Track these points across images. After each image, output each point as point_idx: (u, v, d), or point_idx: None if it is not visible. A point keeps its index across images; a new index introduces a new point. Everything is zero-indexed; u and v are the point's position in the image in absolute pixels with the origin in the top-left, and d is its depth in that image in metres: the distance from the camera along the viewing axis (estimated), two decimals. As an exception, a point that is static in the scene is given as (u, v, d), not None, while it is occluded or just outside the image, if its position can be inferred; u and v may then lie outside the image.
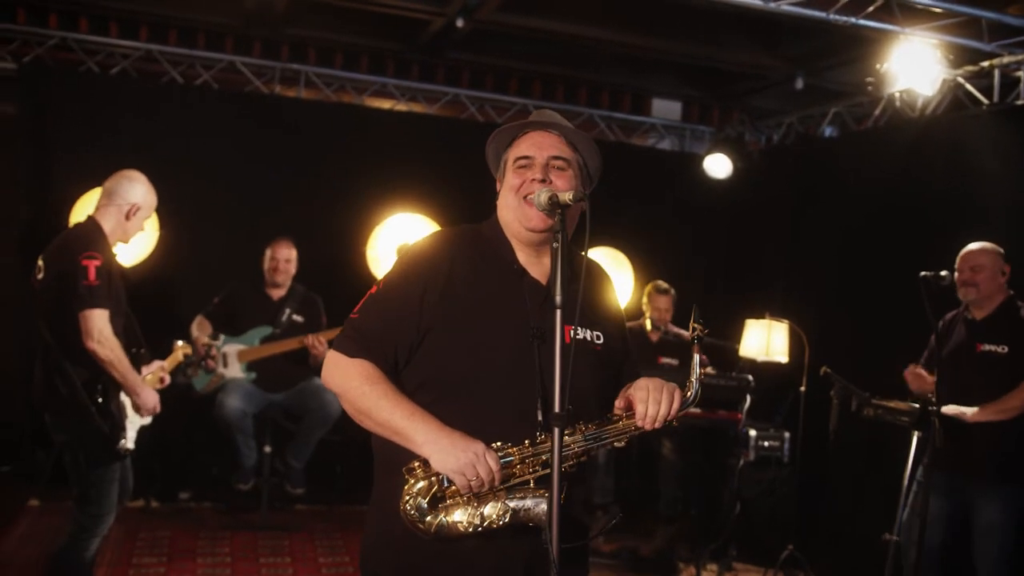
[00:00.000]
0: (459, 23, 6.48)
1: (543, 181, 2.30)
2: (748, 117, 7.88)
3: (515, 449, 2.17)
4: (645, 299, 6.66)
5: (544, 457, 2.19)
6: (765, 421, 6.27)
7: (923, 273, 4.17)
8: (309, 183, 7.13)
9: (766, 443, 6.11)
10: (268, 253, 6.22)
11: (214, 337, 5.88)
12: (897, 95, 6.51)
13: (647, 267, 7.34)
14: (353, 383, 2.28)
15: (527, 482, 2.18)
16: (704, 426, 6.20)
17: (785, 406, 6.32)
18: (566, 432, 2.18)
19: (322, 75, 7.41)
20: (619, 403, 2.25)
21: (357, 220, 7.16)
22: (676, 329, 6.63)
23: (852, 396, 4.61)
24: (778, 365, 6.02)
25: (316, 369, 5.99)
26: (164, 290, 6.73)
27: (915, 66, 5.67)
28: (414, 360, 2.31)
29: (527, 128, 2.39)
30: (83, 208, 6.27)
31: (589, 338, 2.36)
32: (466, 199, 7.26)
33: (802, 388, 5.62)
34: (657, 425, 2.22)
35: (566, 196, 2.20)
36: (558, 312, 2.09)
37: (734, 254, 7.65)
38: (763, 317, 6.02)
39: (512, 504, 2.15)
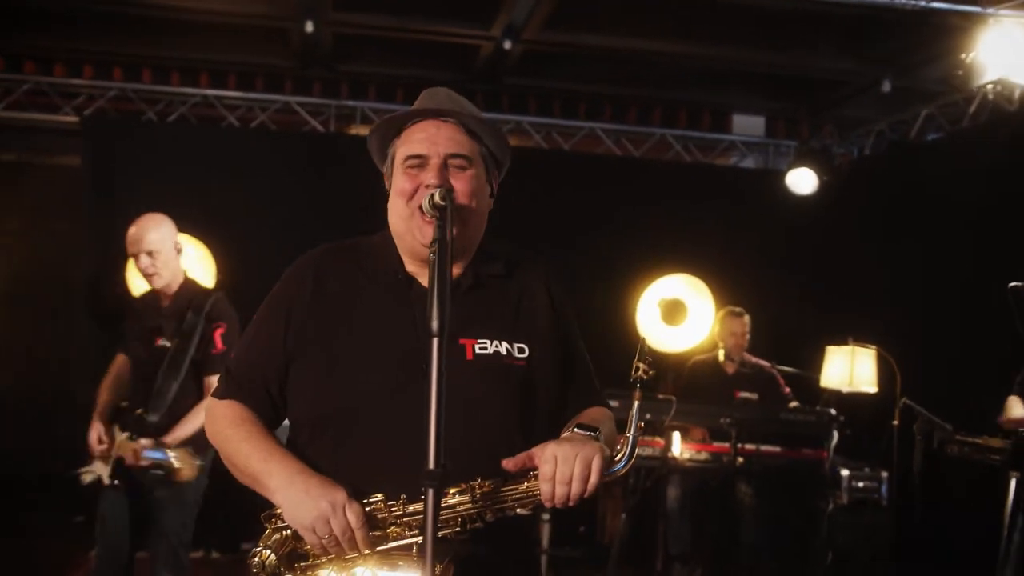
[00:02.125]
0: (506, 45, 6.18)
1: (439, 187, 1.92)
2: (835, 128, 7.26)
3: (387, 504, 1.76)
4: (717, 326, 6.12)
5: (444, 516, 1.77)
6: (859, 459, 5.62)
7: (1013, 284, 3.58)
8: (367, 221, 6.90)
9: (861, 484, 5.48)
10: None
11: None
12: (990, 88, 5.81)
13: (728, 294, 6.77)
14: (218, 427, 1.96)
15: (409, 547, 1.75)
16: (786, 466, 5.59)
17: (884, 443, 5.65)
18: (454, 490, 1.77)
19: (378, 110, 7.22)
20: (509, 464, 1.78)
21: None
22: (755, 359, 6.06)
23: (934, 431, 3.99)
24: (867, 396, 5.38)
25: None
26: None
27: (1007, 51, 5.00)
28: (288, 397, 1.96)
29: (417, 116, 2.01)
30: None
31: (505, 352, 1.93)
32: (529, 229, 7.01)
33: (895, 422, 4.97)
34: (571, 504, 1.77)
35: (438, 196, 1.81)
36: (434, 341, 1.69)
37: (820, 275, 7.00)
38: (846, 343, 5.41)
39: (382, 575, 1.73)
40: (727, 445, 5.35)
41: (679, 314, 6.73)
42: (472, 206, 1.95)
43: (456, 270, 1.99)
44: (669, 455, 5.48)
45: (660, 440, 5.55)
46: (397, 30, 6.24)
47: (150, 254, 4.00)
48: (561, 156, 7.35)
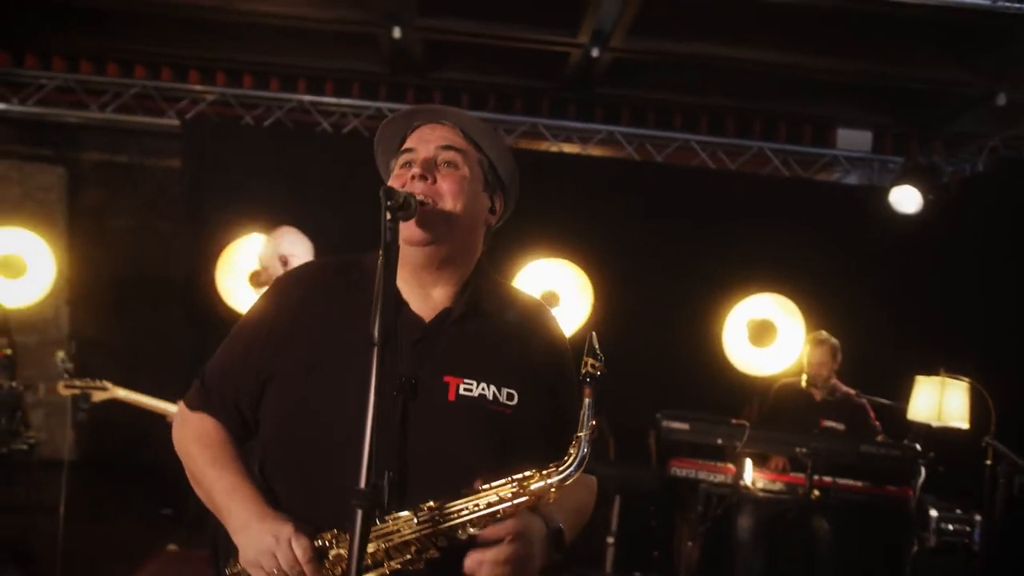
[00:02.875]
0: (594, 52, 6.05)
1: (424, 179, 1.81)
2: (944, 143, 6.83)
3: (338, 535, 1.66)
4: (804, 351, 5.82)
5: (387, 545, 1.67)
6: (952, 500, 5.23)
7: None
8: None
9: (951, 526, 5.09)
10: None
11: None
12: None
13: (820, 316, 6.44)
14: (185, 440, 1.88)
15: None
16: (867, 502, 5.25)
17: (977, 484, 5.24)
18: (403, 513, 1.67)
19: (470, 118, 7.19)
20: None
21: (494, 266, 6.79)
22: (843, 388, 5.73)
23: (1016, 475, 3.65)
24: (959, 432, 5.00)
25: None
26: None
27: None
28: (260, 417, 1.87)
29: (415, 121, 1.90)
30: (230, 257, 6.36)
31: (491, 397, 1.78)
32: (618, 243, 6.89)
33: (987, 461, 4.60)
34: None
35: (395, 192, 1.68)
36: (375, 351, 1.59)
37: (916, 299, 6.58)
38: (937, 373, 5.04)
39: None
40: (803, 476, 5.07)
41: (768, 335, 6.44)
42: (456, 211, 1.81)
43: (443, 292, 1.87)
44: (741, 483, 5.23)
45: (732, 467, 5.30)
46: (484, 36, 6.20)
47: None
48: (653, 168, 7.16)
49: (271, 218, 5.89)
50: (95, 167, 8.25)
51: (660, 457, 5.84)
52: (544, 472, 1.69)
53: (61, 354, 4.80)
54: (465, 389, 1.78)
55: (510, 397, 1.80)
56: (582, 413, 1.67)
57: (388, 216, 1.65)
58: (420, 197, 1.78)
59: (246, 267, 5.40)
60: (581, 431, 1.68)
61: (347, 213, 6.73)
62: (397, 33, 6.04)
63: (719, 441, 5.23)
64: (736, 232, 6.69)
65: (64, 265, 7.45)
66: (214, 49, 7.13)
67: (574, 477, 1.68)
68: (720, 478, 5.32)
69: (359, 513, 1.50)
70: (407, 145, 1.87)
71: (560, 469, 1.68)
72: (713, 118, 7.46)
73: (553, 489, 1.68)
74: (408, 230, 1.77)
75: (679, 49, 6.16)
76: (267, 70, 7.40)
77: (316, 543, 1.66)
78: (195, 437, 1.86)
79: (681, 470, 5.47)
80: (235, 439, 1.87)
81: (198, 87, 7.19)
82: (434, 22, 6.02)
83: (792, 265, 6.52)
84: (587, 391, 1.68)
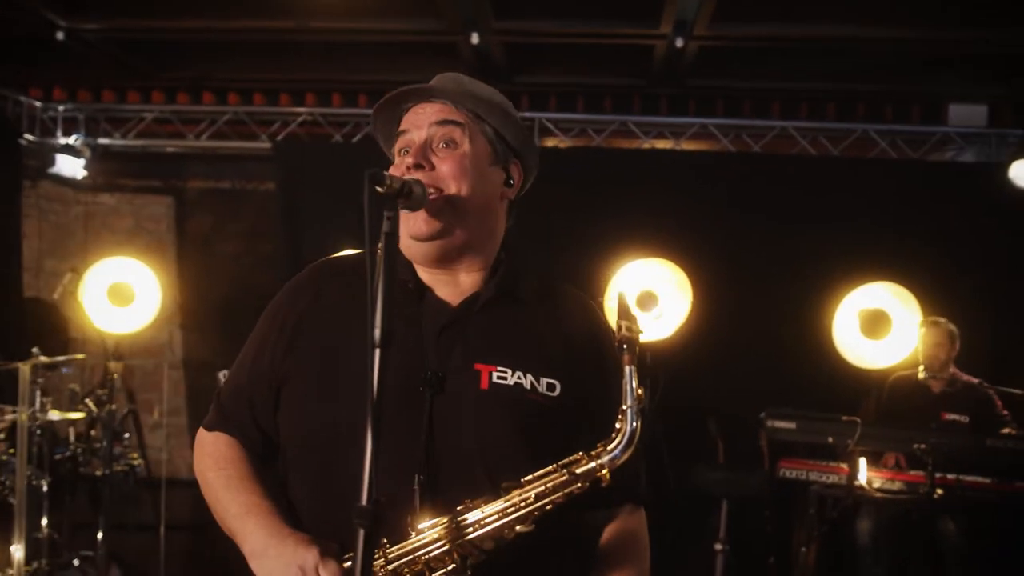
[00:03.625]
0: (678, 43, 5.84)
1: (421, 167, 1.67)
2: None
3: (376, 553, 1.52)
4: (919, 340, 5.45)
5: (425, 557, 1.55)
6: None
7: None
8: (538, 232, 6.75)
9: (1094, 525, 4.65)
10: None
11: None
12: None
13: (937, 305, 6.02)
14: (202, 466, 1.77)
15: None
16: (998, 501, 4.85)
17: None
18: (426, 525, 1.55)
19: (558, 121, 7.06)
20: None
21: (591, 268, 6.63)
22: (965, 377, 5.34)
23: None
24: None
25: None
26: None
27: None
28: (280, 421, 1.77)
29: (405, 103, 1.78)
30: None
31: (529, 386, 1.64)
32: (717, 238, 6.63)
33: None
34: None
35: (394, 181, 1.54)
36: (376, 353, 1.47)
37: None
38: (1068, 359, 4.63)
39: None
40: (923, 474, 4.72)
41: (882, 326, 6.06)
42: (463, 194, 1.68)
43: (470, 278, 1.74)
44: (855, 483, 4.91)
45: (844, 467, 4.99)
46: (563, 35, 6.07)
47: None
48: (751, 159, 6.88)
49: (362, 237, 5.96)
50: (200, 195, 8.47)
51: (771, 458, 5.57)
52: (593, 453, 1.54)
53: None
54: (499, 377, 1.64)
55: (551, 388, 1.66)
56: (624, 383, 1.51)
57: (385, 204, 1.54)
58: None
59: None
60: (626, 403, 1.51)
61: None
62: (475, 39, 5.97)
63: (830, 439, 4.94)
64: (842, 220, 6.37)
65: (175, 291, 7.68)
66: (302, 71, 7.23)
67: (626, 455, 1.51)
68: (833, 479, 5.02)
69: (360, 533, 1.38)
70: (401, 127, 1.75)
71: (609, 448, 1.53)
72: (812, 103, 7.12)
73: (604, 471, 1.52)
74: (413, 223, 1.66)
75: (768, 32, 5.88)
76: (355, 87, 7.45)
77: (345, 564, 1.54)
78: (211, 462, 1.76)
79: (791, 471, 5.19)
80: (254, 456, 1.77)
81: (286, 109, 7.28)
82: (511, 24, 5.92)
83: (905, 251, 6.15)
84: (627, 357, 1.52)
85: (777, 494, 5.42)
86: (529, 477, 1.54)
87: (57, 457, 5.05)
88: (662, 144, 7.05)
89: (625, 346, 1.52)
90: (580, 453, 1.54)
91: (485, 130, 1.74)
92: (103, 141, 7.36)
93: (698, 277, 6.21)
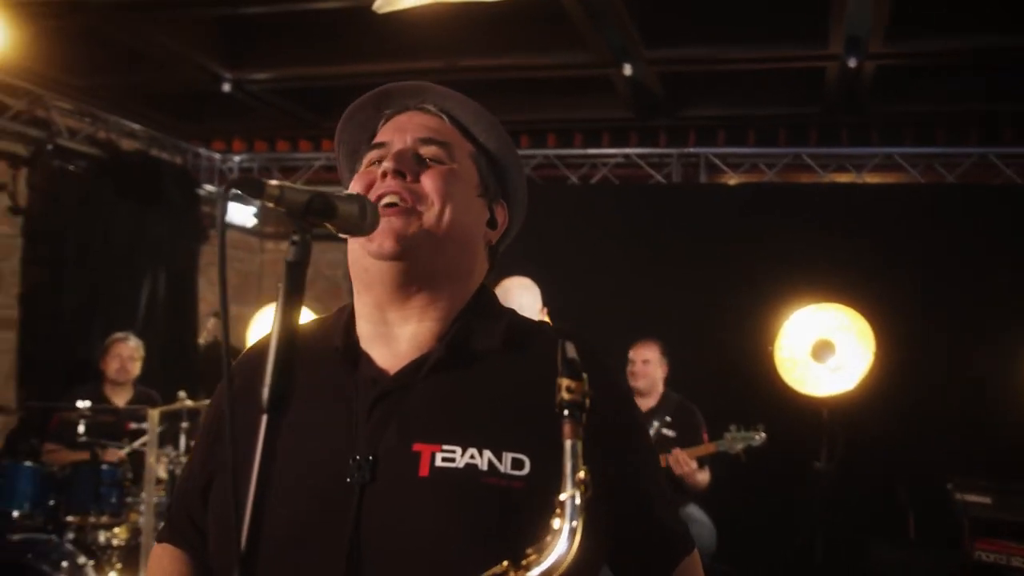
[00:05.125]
0: (851, 63, 5.26)
1: (400, 175, 1.32)
2: None
3: None
4: None
5: None
6: None
7: None
8: (700, 276, 6.25)
9: None
10: (629, 355, 5.50)
11: None
12: None
13: None
14: None
15: None
16: None
17: None
18: None
19: (725, 155, 6.58)
20: None
21: (759, 315, 6.05)
22: None
23: None
24: None
25: (691, 494, 5.09)
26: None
27: None
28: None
29: (386, 108, 1.44)
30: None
31: (486, 467, 1.24)
32: (905, 279, 5.89)
33: None
34: None
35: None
36: (264, 419, 1.14)
37: None
38: None
39: None
40: None
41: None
42: (445, 216, 1.33)
43: (423, 331, 1.36)
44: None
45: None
46: (720, 62, 5.62)
47: None
48: (945, 190, 6.12)
49: (520, 275, 5.70)
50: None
51: (969, 537, 4.80)
52: (524, 563, 1.10)
53: None
54: (445, 459, 1.25)
55: (517, 465, 1.25)
56: (564, 463, 1.08)
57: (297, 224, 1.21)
58: (392, 199, 1.33)
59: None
60: (565, 490, 1.09)
61: (596, 266, 6.41)
62: (628, 70, 5.63)
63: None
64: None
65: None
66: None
67: (565, 566, 1.09)
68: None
69: None
70: (378, 139, 1.40)
71: (543, 560, 1.08)
72: (1017, 125, 6.27)
73: None
74: (380, 236, 1.31)
75: (955, 45, 5.19)
76: (514, 128, 7.27)
77: None
78: None
79: (988, 554, 4.42)
80: (201, 570, 1.46)
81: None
82: (664, 53, 5.53)
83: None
84: (567, 428, 1.09)
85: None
86: None
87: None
88: (842, 177, 6.41)
89: (567, 412, 1.09)
90: (506, 562, 1.12)
91: (476, 156, 1.41)
92: (273, 189, 7.53)
93: (881, 325, 5.55)
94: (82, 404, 4.86)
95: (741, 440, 5.11)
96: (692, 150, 6.61)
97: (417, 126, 1.38)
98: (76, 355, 6.26)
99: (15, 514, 4.59)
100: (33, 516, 4.64)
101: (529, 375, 1.30)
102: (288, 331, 1.16)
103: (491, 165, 1.43)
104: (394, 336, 1.36)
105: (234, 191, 1.11)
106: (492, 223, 1.43)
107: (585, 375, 1.10)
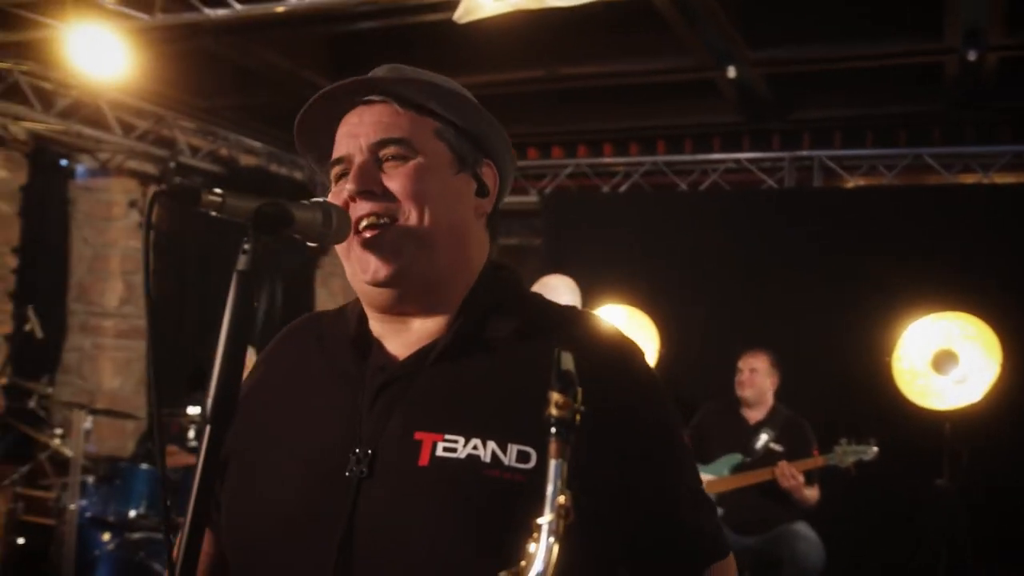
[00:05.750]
0: (970, 56, 4.95)
1: (369, 195, 1.30)
2: None
3: None
4: None
5: None
6: None
7: None
8: (813, 284, 5.98)
9: None
10: (738, 364, 5.34)
11: None
12: None
13: None
14: None
15: None
16: None
17: None
18: None
19: (840, 158, 6.31)
20: None
21: (877, 324, 5.74)
22: None
23: None
24: None
25: (800, 510, 4.89)
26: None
27: None
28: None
29: (334, 110, 1.38)
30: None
31: (489, 458, 1.21)
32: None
33: None
34: None
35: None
36: (207, 429, 1.15)
37: None
38: None
39: None
40: None
41: None
42: (425, 220, 1.31)
43: (428, 324, 1.35)
44: None
45: None
46: (829, 61, 5.39)
47: None
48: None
49: (625, 287, 5.63)
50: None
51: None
52: None
53: None
54: (446, 448, 1.22)
55: (523, 458, 1.20)
56: (547, 483, 1.01)
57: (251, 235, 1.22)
58: (370, 220, 1.31)
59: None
60: (545, 513, 1.02)
61: (702, 275, 6.25)
62: (732, 72, 5.48)
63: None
64: None
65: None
66: (570, 122, 7.10)
67: None
68: None
69: None
70: (336, 154, 1.36)
71: None
72: None
73: None
74: (373, 264, 1.31)
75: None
76: (624, 136, 7.21)
77: None
78: None
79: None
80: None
81: (551, 161, 7.18)
82: (769, 53, 5.36)
83: None
84: (553, 447, 1.02)
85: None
86: None
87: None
88: (968, 178, 6.04)
89: (553, 430, 1.03)
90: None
91: (441, 129, 1.35)
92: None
93: (1010, 335, 5.18)
94: (193, 411, 5.05)
95: (852, 454, 4.89)
96: (806, 153, 6.36)
97: (369, 126, 1.33)
98: (196, 364, 6.55)
99: (131, 514, 4.82)
100: (148, 516, 4.87)
101: (544, 364, 1.22)
102: (237, 343, 1.17)
103: (461, 133, 1.37)
104: (405, 326, 1.35)
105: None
106: (482, 190, 1.38)
107: (579, 389, 1.03)
